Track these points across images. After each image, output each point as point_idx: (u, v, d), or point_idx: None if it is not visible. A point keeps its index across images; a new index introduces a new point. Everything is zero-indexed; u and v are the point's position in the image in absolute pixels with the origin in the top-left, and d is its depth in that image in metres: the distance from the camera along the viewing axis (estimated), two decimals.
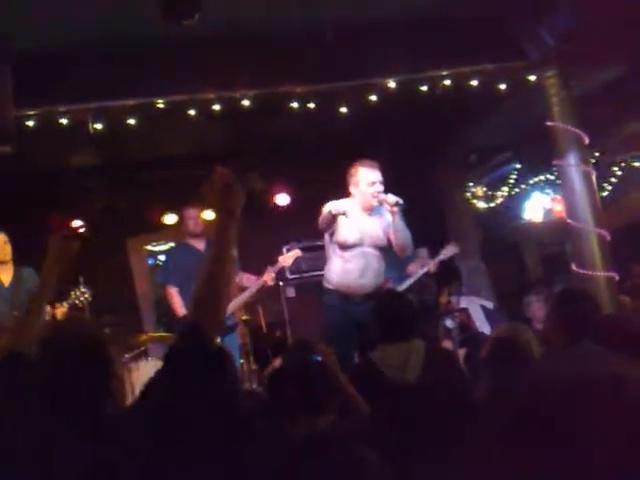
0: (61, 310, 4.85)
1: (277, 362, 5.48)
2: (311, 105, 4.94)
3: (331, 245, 4.58)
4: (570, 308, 3.01)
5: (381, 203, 4.43)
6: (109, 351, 1.89)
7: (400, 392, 3.07)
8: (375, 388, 3.15)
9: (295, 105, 4.94)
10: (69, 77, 4.51)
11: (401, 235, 4.41)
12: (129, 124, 4.77)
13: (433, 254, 6.26)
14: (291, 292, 6.98)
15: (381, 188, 4.43)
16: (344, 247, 4.48)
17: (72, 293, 5.04)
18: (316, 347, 3.11)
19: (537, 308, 5.73)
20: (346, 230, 4.48)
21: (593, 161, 5.76)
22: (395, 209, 4.33)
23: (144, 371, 6.01)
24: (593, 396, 2.42)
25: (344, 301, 4.49)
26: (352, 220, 4.49)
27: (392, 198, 4.34)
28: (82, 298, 5.05)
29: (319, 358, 3.02)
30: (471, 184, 8.53)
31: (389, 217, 4.47)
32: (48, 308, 4.90)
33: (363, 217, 4.51)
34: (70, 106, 4.58)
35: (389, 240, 4.53)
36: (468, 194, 8.55)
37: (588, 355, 2.76)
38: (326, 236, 4.67)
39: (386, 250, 4.61)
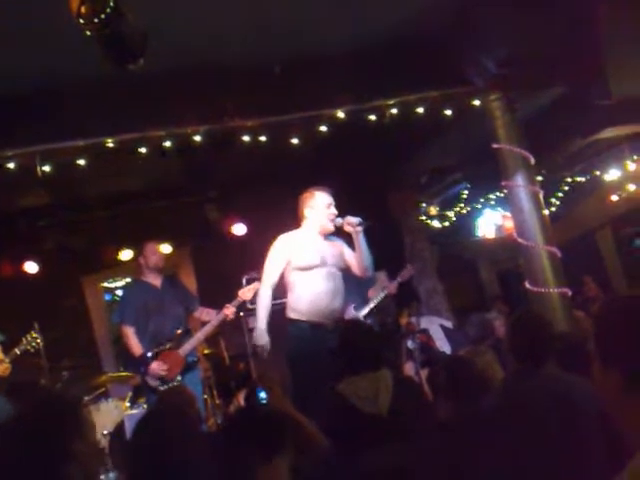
0: (3, 367, 4.77)
1: (241, 397, 5.44)
2: (262, 138, 4.97)
3: (293, 273, 4.54)
4: (522, 338, 3.09)
5: (340, 226, 4.47)
6: (78, 414, 1.87)
7: (376, 423, 3.08)
8: (349, 421, 3.14)
9: (246, 138, 4.96)
10: (14, 121, 4.45)
11: (364, 255, 4.47)
12: (79, 165, 4.72)
13: (392, 277, 6.34)
14: (253, 322, 6.92)
15: (336, 212, 4.51)
16: (309, 269, 4.46)
17: (23, 339, 4.97)
18: (262, 383, 3.09)
19: (497, 325, 5.81)
20: (306, 253, 4.48)
21: (540, 179, 5.92)
22: (358, 229, 4.39)
23: (105, 412, 5.89)
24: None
25: (315, 331, 4.42)
26: (309, 243, 4.51)
27: (354, 219, 4.41)
28: (34, 343, 4.99)
29: (264, 394, 3.00)
30: (424, 205, 8.67)
31: (341, 241, 4.53)
32: None
33: (319, 240, 4.54)
34: (17, 150, 4.51)
35: (348, 263, 4.56)
36: (422, 215, 8.69)
37: (546, 381, 2.84)
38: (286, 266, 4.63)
39: (345, 274, 4.64)
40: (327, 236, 4.58)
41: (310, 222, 4.55)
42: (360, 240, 4.43)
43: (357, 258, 4.49)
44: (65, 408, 1.88)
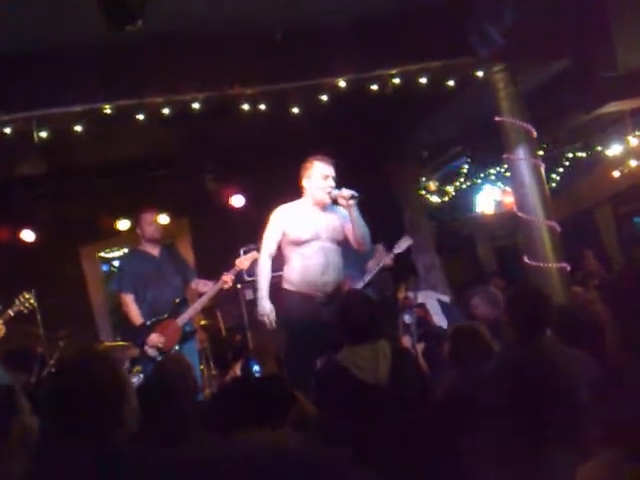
0: None
1: (237, 368, 5.46)
2: (262, 107, 4.90)
3: (287, 246, 4.54)
4: (521, 310, 3.08)
5: (335, 200, 4.41)
6: (124, 376, 1.78)
7: (374, 393, 3.08)
8: (348, 390, 3.14)
9: (246, 107, 4.90)
10: (11, 85, 4.39)
11: (359, 228, 4.41)
12: (75, 131, 4.66)
13: (390, 249, 6.30)
14: (250, 294, 6.93)
15: (333, 184, 4.41)
16: (300, 243, 4.43)
17: (16, 300, 4.96)
18: (255, 355, 3.08)
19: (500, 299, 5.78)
20: (299, 226, 4.44)
21: (541, 153, 5.87)
22: (351, 202, 4.32)
23: None
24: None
25: (307, 302, 4.41)
26: (304, 216, 4.46)
27: (347, 192, 4.34)
28: (27, 304, 4.98)
29: (257, 367, 2.99)
30: (424, 179, 8.63)
31: (343, 212, 4.46)
32: None
33: (316, 212, 4.48)
34: (13, 115, 4.44)
35: (346, 236, 4.52)
36: (422, 189, 8.65)
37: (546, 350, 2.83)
38: (282, 237, 4.61)
39: (345, 247, 4.60)
40: (328, 207, 4.52)
41: (307, 193, 4.50)
42: (354, 214, 4.37)
43: (352, 232, 4.44)
44: (113, 369, 1.77)
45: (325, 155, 4.48)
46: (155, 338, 5.16)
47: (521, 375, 2.07)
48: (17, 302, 4.97)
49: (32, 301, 5.00)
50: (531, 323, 3.09)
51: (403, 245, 6.13)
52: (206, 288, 5.43)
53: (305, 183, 4.48)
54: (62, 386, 1.72)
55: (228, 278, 5.27)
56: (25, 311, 5.02)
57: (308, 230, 4.43)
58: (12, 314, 4.90)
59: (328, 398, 3.15)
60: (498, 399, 2.26)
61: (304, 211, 4.49)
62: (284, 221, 4.49)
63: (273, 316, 4.43)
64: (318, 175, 4.42)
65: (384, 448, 2.73)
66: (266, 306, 4.44)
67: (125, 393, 1.75)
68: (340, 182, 4.48)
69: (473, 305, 5.09)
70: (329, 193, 4.40)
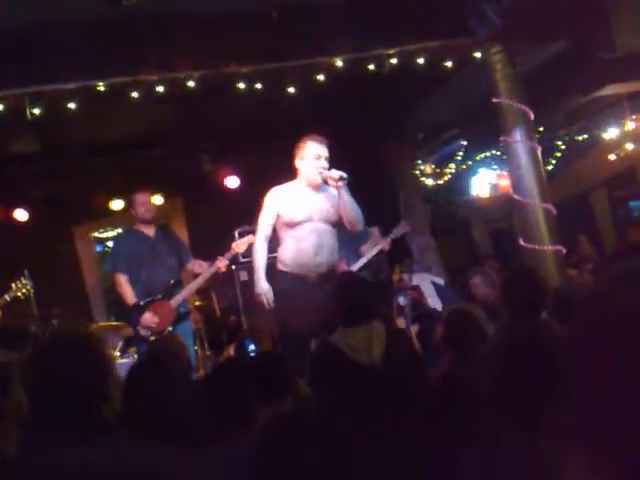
0: None
1: (231, 349, 5.46)
2: (258, 86, 4.85)
3: (281, 227, 4.52)
4: (516, 290, 3.08)
5: (325, 180, 4.38)
6: (106, 352, 1.76)
7: (368, 373, 3.08)
8: (342, 371, 3.14)
9: (242, 86, 4.85)
10: (4, 61, 4.32)
11: (349, 209, 4.38)
12: (69, 108, 4.61)
13: (385, 232, 6.30)
14: (244, 276, 6.92)
15: (326, 165, 4.37)
16: (293, 225, 4.41)
17: (13, 285, 4.94)
18: (251, 335, 3.07)
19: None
20: (292, 208, 4.41)
21: (537, 136, 5.84)
22: (340, 184, 4.28)
23: None
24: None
25: (300, 283, 4.40)
26: (298, 198, 4.43)
27: (336, 173, 4.29)
28: (24, 290, 4.96)
29: (253, 347, 2.98)
30: (419, 162, 8.60)
31: (336, 193, 4.45)
32: None
33: (309, 193, 4.45)
34: (6, 91, 4.39)
35: (340, 217, 4.51)
36: (417, 172, 8.62)
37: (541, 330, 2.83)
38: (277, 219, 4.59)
39: (339, 229, 4.59)
40: (322, 188, 4.49)
41: (301, 174, 4.46)
42: (343, 195, 4.33)
43: (343, 213, 4.42)
44: (97, 346, 1.74)
45: (320, 135, 4.42)
46: (148, 318, 5.14)
47: (515, 358, 2.07)
48: (14, 287, 4.96)
49: (29, 287, 4.98)
50: (526, 305, 3.09)
51: (400, 231, 6.12)
52: (201, 269, 5.41)
53: (298, 164, 4.44)
54: (44, 364, 1.70)
55: (222, 264, 5.24)
56: (22, 297, 5.01)
57: (301, 212, 4.40)
58: (8, 299, 4.90)
59: (322, 379, 3.16)
60: (492, 382, 2.26)
61: (297, 192, 4.46)
62: (278, 203, 4.46)
63: (270, 296, 4.43)
64: (311, 155, 4.37)
65: (379, 431, 2.73)
66: (264, 286, 4.44)
67: (108, 370, 1.73)
68: (336, 162, 4.44)
69: (473, 284, 5.08)
70: (320, 173, 4.36)
